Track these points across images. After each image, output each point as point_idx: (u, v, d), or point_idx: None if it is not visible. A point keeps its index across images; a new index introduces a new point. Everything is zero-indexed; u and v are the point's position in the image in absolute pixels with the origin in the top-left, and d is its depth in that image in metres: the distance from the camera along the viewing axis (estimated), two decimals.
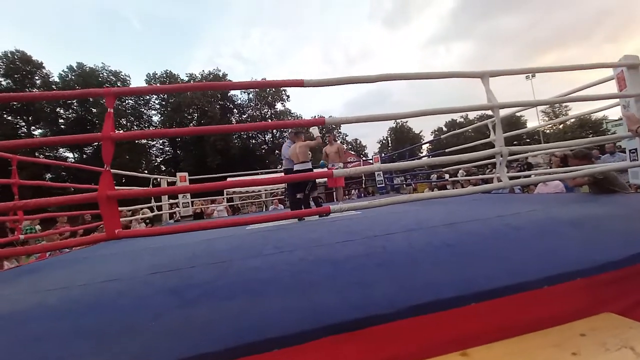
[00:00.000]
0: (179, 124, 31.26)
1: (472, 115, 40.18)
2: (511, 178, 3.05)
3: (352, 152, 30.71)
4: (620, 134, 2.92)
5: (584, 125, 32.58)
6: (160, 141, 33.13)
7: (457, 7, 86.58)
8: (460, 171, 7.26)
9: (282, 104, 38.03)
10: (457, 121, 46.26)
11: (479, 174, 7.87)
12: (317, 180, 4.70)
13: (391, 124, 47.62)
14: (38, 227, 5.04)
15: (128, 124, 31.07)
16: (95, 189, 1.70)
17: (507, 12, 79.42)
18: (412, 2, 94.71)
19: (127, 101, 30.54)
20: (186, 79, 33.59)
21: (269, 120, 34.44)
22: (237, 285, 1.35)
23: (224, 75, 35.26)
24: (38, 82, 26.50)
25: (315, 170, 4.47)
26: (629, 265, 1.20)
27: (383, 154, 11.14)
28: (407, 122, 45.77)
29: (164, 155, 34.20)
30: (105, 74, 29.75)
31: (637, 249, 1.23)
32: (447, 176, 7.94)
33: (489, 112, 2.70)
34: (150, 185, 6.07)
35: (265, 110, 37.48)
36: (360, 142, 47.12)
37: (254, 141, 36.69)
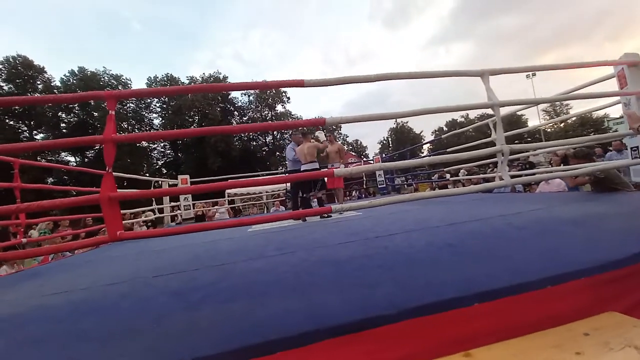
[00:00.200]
0: (179, 126, 31.37)
1: (472, 114, 40.16)
2: (513, 177, 3.04)
3: (353, 153, 30.69)
4: (622, 131, 2.91)
5: (585, 123, 32.53)
6: (162, 144, 33.25)
7: (457, 8, 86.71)
8: (461, 170, 7.24)
9: (282, 105, 38.20)
10: (458, 121, 46.22)
11: (480, 173, 7.86)
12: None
13: (392, 124, 47.60)
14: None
15: (129, 127, 31.19)
16: (96, 192, 1.70)
17: (507, 12, 79.56)
18: (412, 3, 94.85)
19: (128, 105, 30.70)
20: (187, 81, 33.69)
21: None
22: (239, 287, 1.35)
23: (225, 77, 35.36)
24: (40, 86, 26.66)
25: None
26: (632, 264, 1.19)
27: (384, 154, 11.13)
28: (407, 122, 45.86)
29: (165, 158, 34.33)
30: (106, 77, 29.95)
31: None
32: (448, 176, 7.92)
33: (490, 112, 2.70)
34: (152, 188, 6.08)
35: (266, 112, 37.58)
36: (360, 142, 47.14)
37: (254, 143, 36.77)
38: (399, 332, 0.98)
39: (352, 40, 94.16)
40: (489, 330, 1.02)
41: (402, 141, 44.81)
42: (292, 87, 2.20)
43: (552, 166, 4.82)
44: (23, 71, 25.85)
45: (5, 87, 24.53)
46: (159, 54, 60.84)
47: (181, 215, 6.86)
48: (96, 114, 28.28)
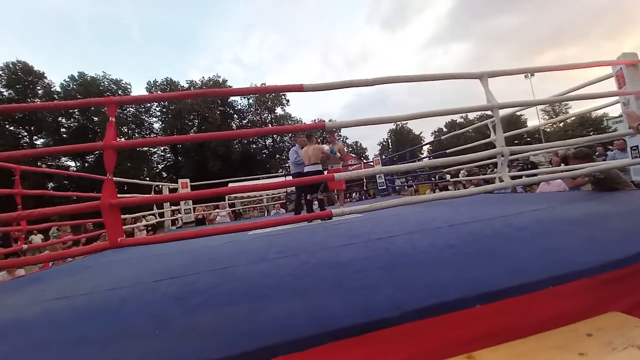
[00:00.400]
0: (179, 130, 31.47)
1: (472, 115, 40.23)
2: (513, 177, 3.04)
3: (353, 155, 30.73)
4: (621, 131, 2.91)
5: (585, 123, 32.53)
6: (162, 148, 33.29)
7: (455, 8, 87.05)
8: (461, 171, 7.24)
9: (282, 108, 38.35)
10: (457, 122, 46.28)
11: (481, 174, 7.85)
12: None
13: (391, 125, 47.65)
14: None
15: (129, 131, 31.28)
16: (97, 197, 1.70)
17: (505, 12, 79.83)
18: (410, 4, 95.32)
19: (128, 109, 30.76)
20: (186, 85, 33.87)
21: (270, 125, 34.62)
22: (241, 290, 1.35)
23: (224, 81, 35.55)
24: (40, 92, 26.78)
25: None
26: (633, 263, 1.19)
27: (384, 156, 11.14)
28: (407, 123, 45.89)
29: (165, 162, 34.37)
30: (106, 82, 30.07)
31: None
32: (448, 177, 7.92)
33: (489, 112, 2.71)
34: (152, 192, 6.09)
35: (266, 115, 37.71)
36: (360, 144, 47.23)
37: (254, 146, 36.83)
38: (401, 334, 0.98)
39: (351, 42, 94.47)
40: (491, 332, 1.02)
41: (401, 142, 44.91)
42: (292, 92, 2.21)
43: (552, 166, 4.82)
44: (23, 77, 25.97)
45: (5, 93, 24.64)
46: (158, 58, 61.36)
47: (182, 219, 6.86)
48: (96, 118, 28.38)
